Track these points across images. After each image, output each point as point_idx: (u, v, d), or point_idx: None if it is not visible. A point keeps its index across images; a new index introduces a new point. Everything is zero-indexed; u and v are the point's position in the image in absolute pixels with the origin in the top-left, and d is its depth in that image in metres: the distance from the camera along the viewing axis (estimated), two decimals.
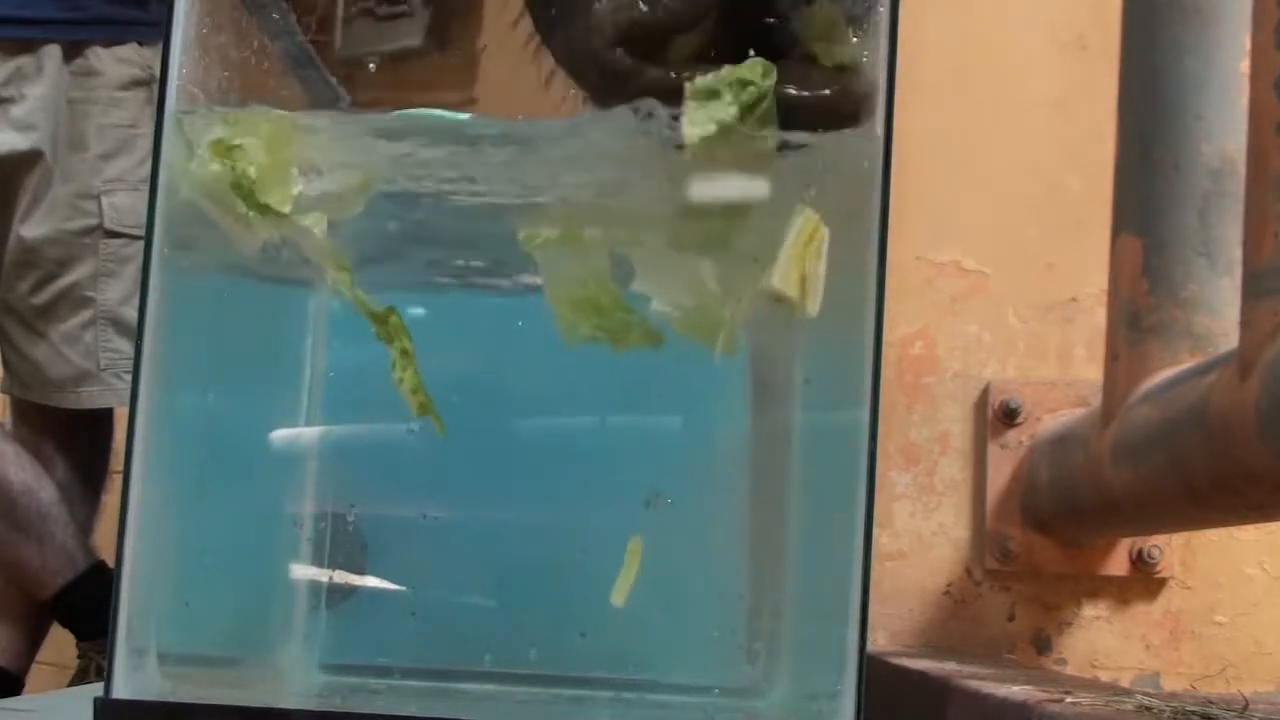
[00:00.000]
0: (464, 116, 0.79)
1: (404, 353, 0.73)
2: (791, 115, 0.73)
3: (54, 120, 1.85)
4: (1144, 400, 1.05)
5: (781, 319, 0.78)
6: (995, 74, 1.38)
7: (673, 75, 0.72)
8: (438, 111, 0.78)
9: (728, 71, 0.71)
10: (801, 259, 0.73)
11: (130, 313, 1.86)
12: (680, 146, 0.71)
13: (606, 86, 0.73)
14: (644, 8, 0.71)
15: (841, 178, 0.78)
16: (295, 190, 0.74)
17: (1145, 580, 1.32)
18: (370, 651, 0.79)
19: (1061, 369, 1.35)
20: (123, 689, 0.73)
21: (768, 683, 0.78)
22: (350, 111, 0.82)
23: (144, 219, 0.76)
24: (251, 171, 0.73)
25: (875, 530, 0.75)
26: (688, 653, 0.78)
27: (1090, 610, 1.32)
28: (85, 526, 1.94)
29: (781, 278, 0.72)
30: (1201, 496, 0.94)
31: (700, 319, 0.75)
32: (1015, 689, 0.95)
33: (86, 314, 1.88)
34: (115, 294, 1.88)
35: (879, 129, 0.76)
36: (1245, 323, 0.84)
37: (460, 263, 0.82)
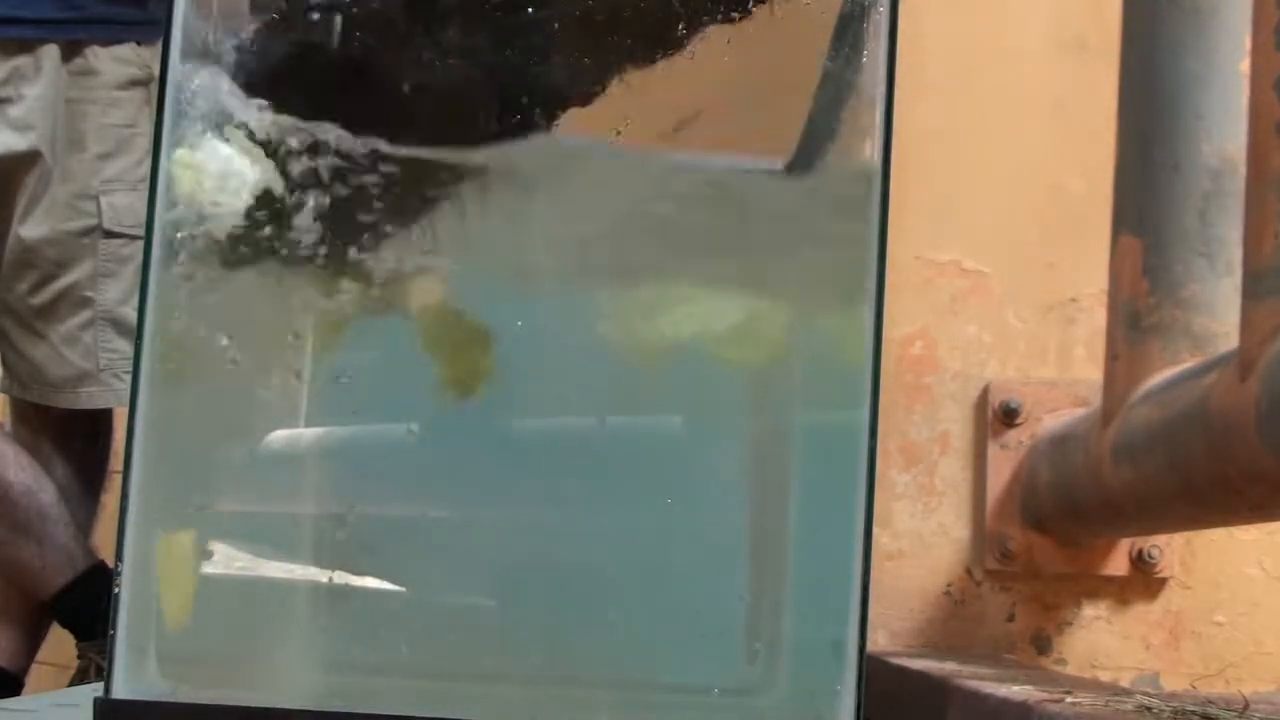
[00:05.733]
0: None
1: None
2: None
3: (52, 120, 1.85)
4: (1144, 400, 1.05)
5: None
6: (995, 74, 1.38)
7: None
8: None
9: None
10: None
11: (129, 313, 1.85)
12: None
13: None
14: None
15: (841, 179, 0.78)
16: None
17: (1145, 580, 1.32)
18: (370, 651, 0.79)
19: (1061, 369, 1.35)
20: (123, 689, 0.73)
21: (768, 683, 0.78)
22: None
23: (143, 219, 0.76)
24: None
25: (875, 530, 0.75)
26: (688, 653, 0.78)
27: (1090, 610, 1.32)
28: (85, 527, 1.93)
29: None
30: (1201, 496, 0.94)
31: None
32: (1015, 689, 0.95)
33: (86, 314, 1.88)
34: (114, 294, 1.88)
35: (879, 130, 0.76)
36: (1245, 323, 0.84)
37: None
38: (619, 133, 0.79)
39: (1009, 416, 1.33)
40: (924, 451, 1.34)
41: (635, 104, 0.80)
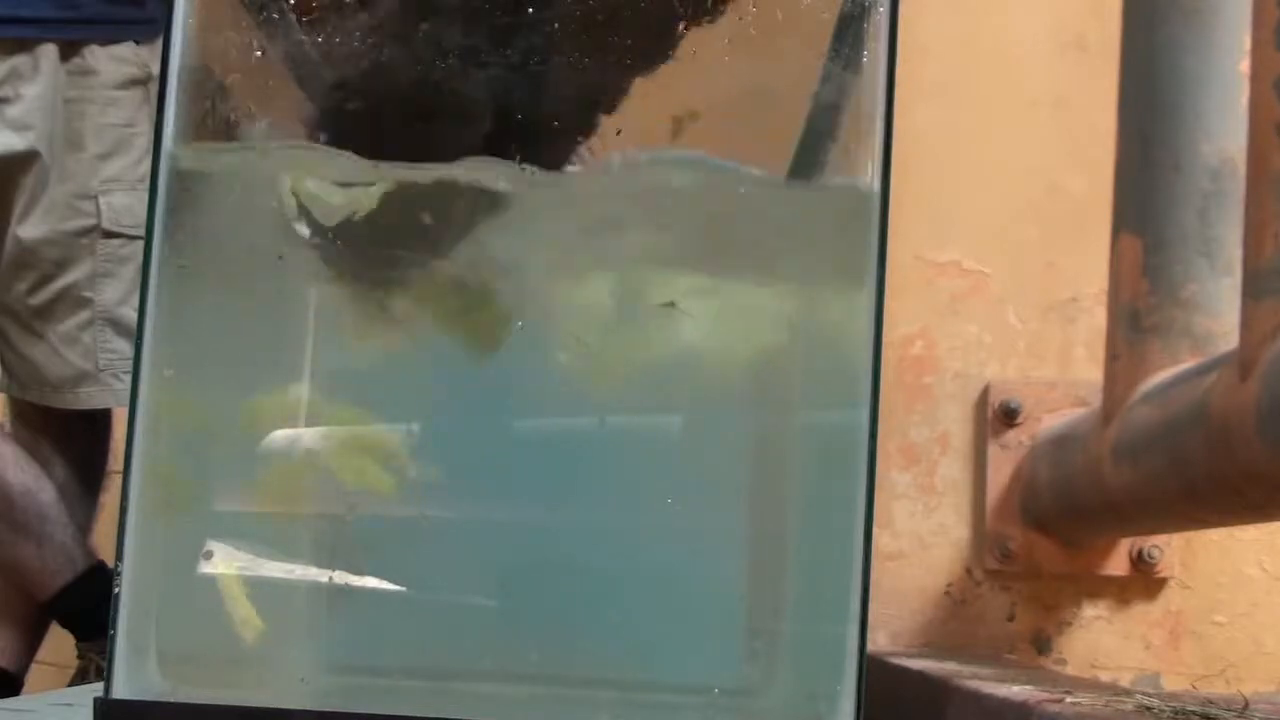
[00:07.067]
0: None
1: None
2: None
3: (51, 120, 1.85)
4: (1144, 400, 1.05)
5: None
6: (995, 74, 1.38)
7: None
8: None
9: None
10: None
11: (128, 313, 1.85)
12: None
13: None
14: None
15: (841, 178, 0.78)
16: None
17: (1145, 580, 1.32)
18: (370, 651, 0.79)
19: (1061, 369, 1.35)
20: (123, 689, 0.73)
21: (768, 683, 0.78)
22: None
23: (142, 219, 0.76)
24: None
25: (875, 530, 0.75)
26: (688, 653, 0.78)
27: (1090, 610, 1.32)
28: (84, 527, 1.93)
29: None
30: (1201, 496, 0.94)
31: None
32: (1015, 689, 0.95)
33: (84, 315, 1.88)
34: (113, 294, 1.88)
35: (879, 129, 0.76)
36: (1245, 323, 0.84)
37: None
38: (619, 132, 0.79)
39: (1009, 416, 1.33)
40: (924, 451, 1.34)
41: (636, 105, 0.80)
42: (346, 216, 0.77)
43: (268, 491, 0.77)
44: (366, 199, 0.77)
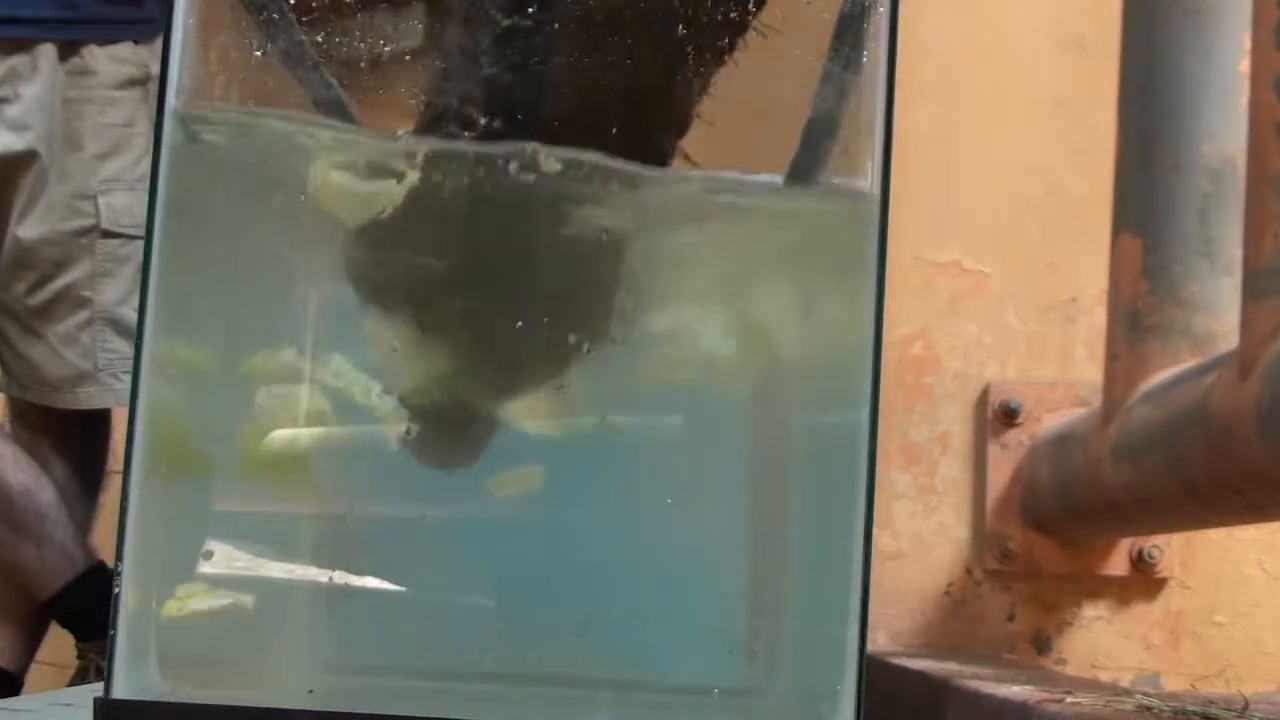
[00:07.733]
0: None
1: None
2: None
3: (49, 120, 1.85)
4: (1144, 400, 1.05)
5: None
6: (995, 74, 1.38)
7: None
8: None
9: None
10: None
11: (128, 313, 1.85)
12: None
13: None
14: None
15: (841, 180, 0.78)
16: None
17: (1145, 580, 1.32)
18: (370, 651, 0.79)
19: (1061, 369, 1.35)
20: (123, 689, 0.73)
21: (768, 683, 0.78)
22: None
23: (141, 219, 0.76)
24: None
25: (875, 530, 0.75)
26: (688, 653, 0.78)
27: (1090, 610, 1.32)
28: (84, 527, 1.93)
29: None
30: (1201, 496, 0.94)
31: None
32: (1015, 689, 0.95)
33: (84, 314, 1.88)
34: (112, 294, 1.88)
35: (879, 130, 0.76)
36: (1245, 323, 0.84)
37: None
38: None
39: (1009, 416, 1.33)
40: (924, 451, 1.34)
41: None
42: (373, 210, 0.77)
43: (255, 465, 0.77)
44: (392, 192, 0.77)
